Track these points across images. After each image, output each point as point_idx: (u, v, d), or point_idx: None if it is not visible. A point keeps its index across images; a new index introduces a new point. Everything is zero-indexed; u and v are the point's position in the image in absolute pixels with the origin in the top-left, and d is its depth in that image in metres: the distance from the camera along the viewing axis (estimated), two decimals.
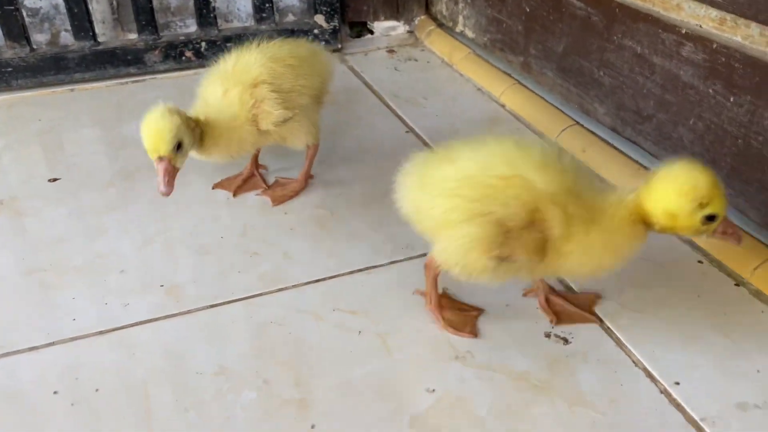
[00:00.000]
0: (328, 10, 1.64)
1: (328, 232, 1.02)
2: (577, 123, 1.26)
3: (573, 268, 0.75)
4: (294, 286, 0.92)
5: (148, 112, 0.88)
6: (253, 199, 1.10)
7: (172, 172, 0.87)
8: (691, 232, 0.73)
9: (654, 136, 1.08)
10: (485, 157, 0.74)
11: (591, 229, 0.71)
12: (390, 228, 1.02)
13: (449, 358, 0.80)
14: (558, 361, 0.80)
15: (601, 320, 0.85)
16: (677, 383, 0.76)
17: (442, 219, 0.74)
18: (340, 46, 1.68)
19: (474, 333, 0.83)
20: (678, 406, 0.74)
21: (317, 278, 0.93)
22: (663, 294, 0.89)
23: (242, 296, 0.90)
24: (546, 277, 0.86)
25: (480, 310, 0.87)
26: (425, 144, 1.26)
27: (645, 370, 0.78)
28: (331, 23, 1.65)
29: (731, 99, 0.92)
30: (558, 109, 1.31)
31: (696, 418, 0.72)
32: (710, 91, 0.95)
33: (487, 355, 0.80)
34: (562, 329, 0.84)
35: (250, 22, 1.66)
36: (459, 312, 0.86)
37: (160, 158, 0.87)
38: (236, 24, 1.69)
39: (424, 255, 0.96)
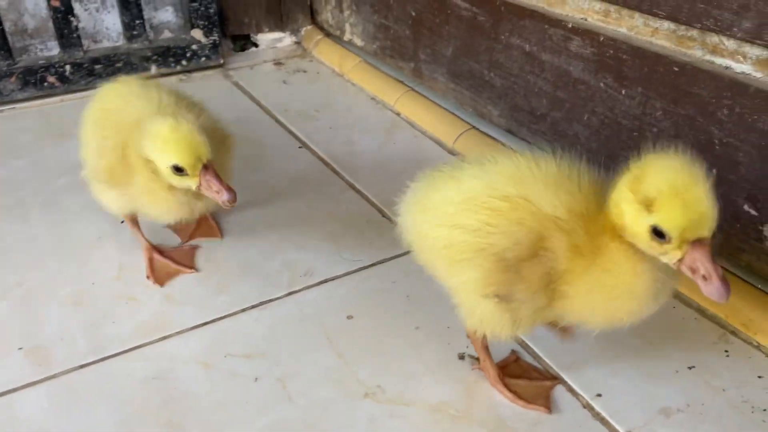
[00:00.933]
0: (206, 24, 1.53)
1: (216, 265, 0.92)
2: (473, 127, 1.22)
3: (583, 314, 0.61)
4: (178, 333, 0.81)
5: (158, 126, 0.75)
6: (126, 233, 0.98)
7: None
8: (645, 245, 0.54)
9: (549, 135, 1.05)
10: (491, 175, 0.62)
11: (591, 264, 0.57)
12: (286, 255, 0.94)
13: (358, 396, 0.72)
14: (475, 384, 0.74)
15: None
16: (599, 395, 0.72)
17: (443, 255, 0.64)
18: (222, 61, 1.58)
19: (548, 406, 0.70)
20: (602, 420, 0.69)
21: (205, 321, 0.83)
22: None
23: (118, 351, 0.79)
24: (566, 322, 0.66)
25: (555, 380, 0.73)
26: (320, 159, 1.18)
27: (566, 384, 0.74)
28: (211, 38, 1.55)
29: (623, 92, 0.90)
30: (453, 114, 1.27)
31: (621, 431, 0.68)
32: (601, 84, 0.93)
33: (399, 388, 0.73)
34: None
35: (121, 41, 1.52)
36: (529, 382, 0.73)
37: (206, 166, 0.75)
38: (105, 44, 1.55)
39: (326, 281, 0.88)
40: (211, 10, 1.52)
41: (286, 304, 0.86)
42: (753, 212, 0.78)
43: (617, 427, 0.68)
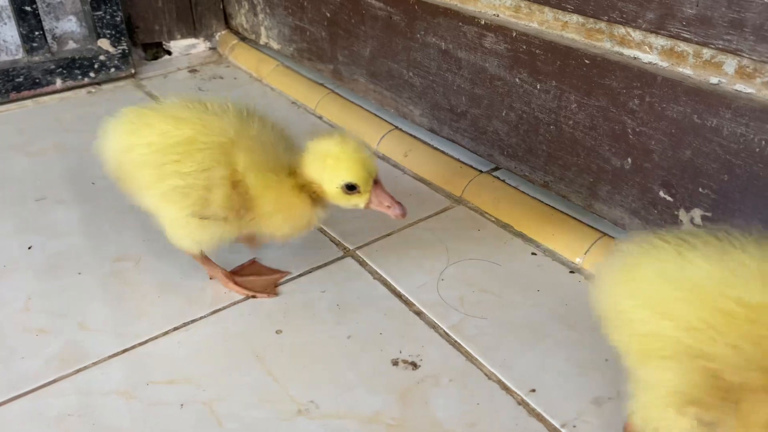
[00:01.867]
0: (113, 33, 1.46)
1: (134, 288, 0.88)
2: (396, 127, 1.21)
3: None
4: (95, 364, 0.76)
5: (326, 145, 0.75)
6: (35, 259, 0.92)
7: None
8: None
9: (471, 132, 1.05)
10: (732, 265, 0.49)
11: None
12: None
13: (291, 415, 0.70)
14: (409, 391, 0.72)
15: (447, 334, 0.80)
16: (533, 390, 0.72)
17: (641, 342, 0.53)
18: (133, 71, 1.51)
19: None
20: (538, 416, 0.69)
21: (124, 348, 0.78)
22: (504, 294, 0.85)
23: (28, 389, 0.73)
24: None
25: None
26: None
27: (499, 382, 0.73)
28: (119, 47, 1.48)
29: (538, 86, 0.91)
30: (375, 115, 1.26)
31: (556, 425, 0.68)
32: (517, 80, 0.94)
33: (333, 401, 0.71)
34: (410, 352, 0.77)
35: (21, 54, 1.43)
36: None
37: (376, 181, 0.76)
38: (4, 57, 1.46)
39: (254, 296, 0.85)
40: (118, 19, 1.45)
41: (210, 323, 0.82)
42: (668, 198, 0.80)
43: (552, 421, 0.68)
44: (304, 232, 0.80)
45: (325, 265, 0.91)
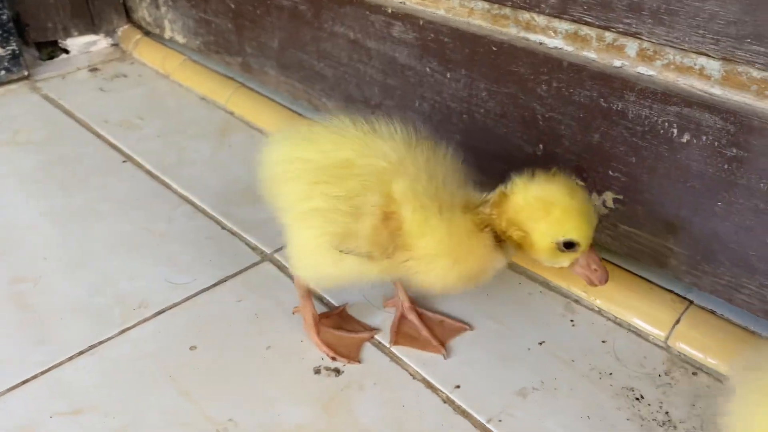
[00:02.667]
0: (0, 32, 1.35)
1: (33, 311, 0.81)
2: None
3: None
4: None
5: (550, 192, 0.63)
6: None
7: None
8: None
9: None
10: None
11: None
12: (116, 287, 0.85)
13: None
14: (333, 399, 0.70)
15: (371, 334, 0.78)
16: (458, 387, 0.71)
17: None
18: (27, 72, 1.41)
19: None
20: (463, 413, 0.68)
21: (24, 378, 0.73)
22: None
23: None
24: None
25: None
26: (148, 173, 1.08)
27: (424, 381, 0.72)
28: (8, 48, 1.37)
29: (448, 75, 0.90)
30: (288, 108, 1.22)
31: (482, 420, 0.67)
32: (427, 69, 0.92)
33: (254, 418, 0.68)
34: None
35: None
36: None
37: (592, 245, 0.65)
38: None
39: (163, 312, 0.81)
40: (4, 17, 1.35)
41: (119, 344, 0.77)
42: (580, 182, 0.80)
43: (478, 417, 0.68)
44: (474, 284, 0.66)
45: (241, 272, 0.87)
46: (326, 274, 0.68)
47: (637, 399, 0.69)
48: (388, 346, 0.76)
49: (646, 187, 0.74)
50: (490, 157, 0.89)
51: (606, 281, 0.65)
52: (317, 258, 0.66)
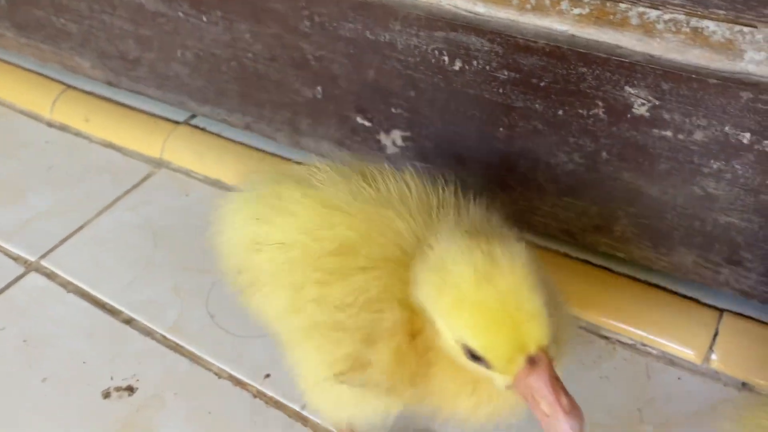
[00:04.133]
0: None
1: None
2: (69, 86, 1.00)
3: None
4: None
5: (454, 265, 0.38)
6: None
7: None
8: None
9: (153, 80, 0.89)
10: None
11: None
12: None
13: None
14: (129, 424, 0.61)
15: (165, 338, 0.69)
16: (267, 376, 0.65)
17: None
18: None
19: None
20: (276, 404, 0.63)
21: None
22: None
23: None
24: None
25: None
26: None
27: (231, 378, 0.65)
28: None
29: (204, 18, 0.77)
30: (39, 74, 1.03)
31: (296, 408, 0.62)
32: (180, 14, 0.79)
33: None
34: (123, 375, 0.65)
35: None
36: None
37: (534, 358, 0.36)
38: None
39: None
40: None
41: None
42: (366, 123, 0.73)
43: (292, 405, 0.62)
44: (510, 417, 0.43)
45: (1, 291, 0.74)
46: (348, 415, 0.49)
47: None
48: (184, 345, 0.68)
49: (430, 121, 0.68)
50: (272, 106, 0.80)
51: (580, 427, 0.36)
52: (330, 394, 0.47)
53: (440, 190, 0.47)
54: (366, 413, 0.47)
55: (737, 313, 0.63)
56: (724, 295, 0.63)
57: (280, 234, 0.46)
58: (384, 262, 0.42)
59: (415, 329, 0.41)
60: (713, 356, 0.61)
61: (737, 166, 0.55)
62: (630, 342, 0.64)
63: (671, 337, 0.62)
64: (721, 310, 0.63)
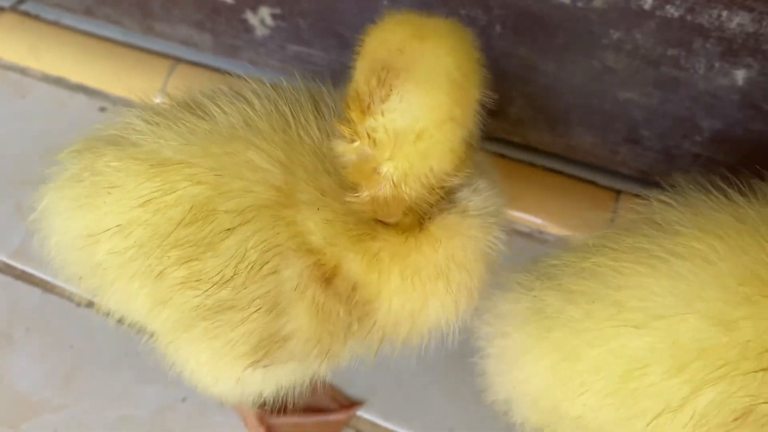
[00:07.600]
0: None
1: None
2: None
3: None
4: None
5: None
6: None
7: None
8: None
9: None
10: None
11: None
12: None
13: None
14: None
15: (8, 266, 0.59)
16: None
17: None
18: None
19: None
20: None
21: None
22: None
23: None
24: None
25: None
26: None
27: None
28: None
29: None
30: None
31: None
32: None
33: None
34: None
35: None
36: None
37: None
38: None
39: None
40: None
41: None
42: (230, 0, 0.63)
43: None
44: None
45: None
46: (252, 392, 0.41)
47: None
48: None
49: None
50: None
51: None
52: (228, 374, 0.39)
53: (291, 92, 0.38)
54: (275, 386, 0.41)
55: (634, 194, 0.61)
56: (622, 176, 0.61)
57: (111, 217, 0.36)
58: (253, 212, 0.34)
59: (328, 270, 0.34)
60: None
61: (638, 36, 0.50)
62: (527, 231, 0.62)
63: (569, 225, 0.59)
64: (618, 191, 0.61)
